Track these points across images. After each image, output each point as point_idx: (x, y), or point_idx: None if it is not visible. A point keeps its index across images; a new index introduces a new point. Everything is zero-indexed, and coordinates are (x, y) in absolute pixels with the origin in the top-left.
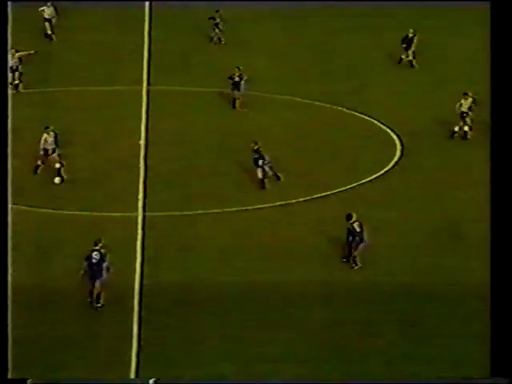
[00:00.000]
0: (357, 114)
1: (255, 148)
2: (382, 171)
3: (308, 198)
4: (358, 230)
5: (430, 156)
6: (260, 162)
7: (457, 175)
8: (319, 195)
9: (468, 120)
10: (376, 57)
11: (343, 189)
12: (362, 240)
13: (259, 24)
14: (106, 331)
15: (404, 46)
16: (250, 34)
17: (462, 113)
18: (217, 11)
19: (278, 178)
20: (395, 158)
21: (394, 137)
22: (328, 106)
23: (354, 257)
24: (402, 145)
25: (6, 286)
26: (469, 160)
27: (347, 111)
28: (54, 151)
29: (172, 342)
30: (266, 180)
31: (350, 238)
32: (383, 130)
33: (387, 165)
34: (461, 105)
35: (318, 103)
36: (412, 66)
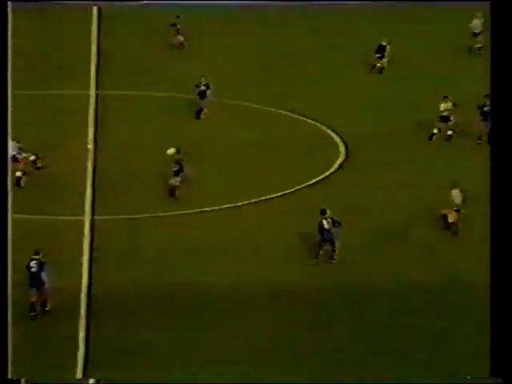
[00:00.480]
0: (304, 118)
1: (177, 158)
2: (327, 173)
3: (254, 200)
4: (325, 226)
5: (375, 160)
6: (179, 174)
7: (401, 178)
8: (264, 198)
9: (450, 123)
10: (340, 62)
11: (288, 191)
12: (329, 239)
13: (221, 29)
14: (54, 334)
15: (378, 55)
16: (210, 39)
17: (442, 116)
18: (177, 17)
19: (173, 195)
20: (338, 162)
21: (339, 141)
22: (276, 110)
23: (318, 252)
24: (346, 149)
25: (6, 287)
26: (415, 163)
27: (295, 116)
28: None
29: (119, 344)
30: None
31: (319, 236)
32: (328, 134)
33: (331, 168)
34: (441, 108)
35: (267, 108)
36: (381, 72)
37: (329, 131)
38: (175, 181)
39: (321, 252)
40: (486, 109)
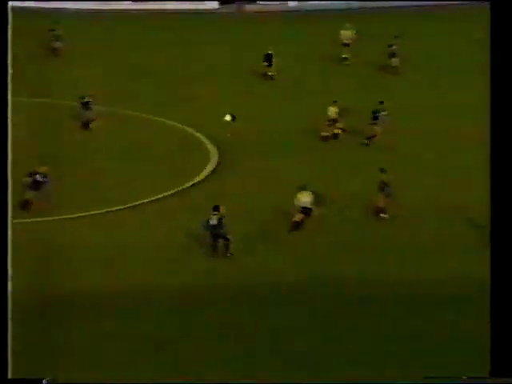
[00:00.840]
0: (182, 126)
1: (41, 170)
2: (200, 178)
3: (133, 204)
4: (210, 223)
5: (246, 164)
6: (38, 187)
7: (272, 181)
8: (142, 201)
9: (338, 124)
10: (231, 70)
11: (165, 194)
12: (218, 234)
13: (104, 35)
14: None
15: (266, 63)
16: (90, 46)
17: (331, 119)
18: (56, 22)
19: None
20: (212, 166)
21: (213, 146)
22: (153, 117)
23: (213, 247)
24: (219, 154)
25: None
26: (284, 166)
27: (174, 123)
28: None
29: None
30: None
31: (208, 233)
32: (204, 140)
33: (205, 172)
34: (329, 111)
35: (146, 115)
36: (272, 78)
37: (205, 137)
38: (31, 195)
39: (217, 247)
40: (379, 114)
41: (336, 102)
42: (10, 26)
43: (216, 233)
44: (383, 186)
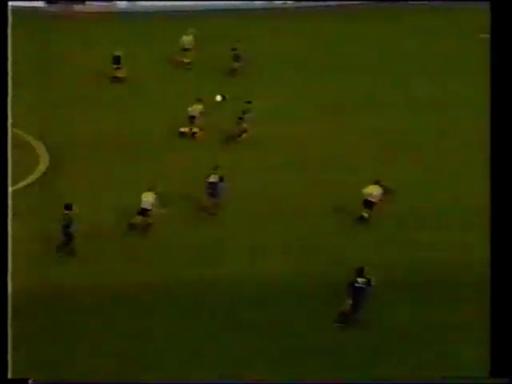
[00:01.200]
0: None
1: None
2: (28, 181)
3: None
4: (63, 223)
5: (79, 165)
6: None
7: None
8: None
9: (198, 122)
10: (80, 72)
11: None
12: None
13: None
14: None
15: (116, 66)
16: None
17: (192, 116)
18: None
19: None
20: (43, 169)
21: (45, 151)
22: None
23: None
24: (50, 155)
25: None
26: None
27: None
28: None
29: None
30: None
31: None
32: (31, 143)
33: (33, 175)
34: (190, 109)
35: None
36: (123, 80)
37: (36, 141)
38: None
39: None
40: (245, 115)
41: (200, 100)
42: (9, 26)
43: (67, 232)
44: (210, 185)
